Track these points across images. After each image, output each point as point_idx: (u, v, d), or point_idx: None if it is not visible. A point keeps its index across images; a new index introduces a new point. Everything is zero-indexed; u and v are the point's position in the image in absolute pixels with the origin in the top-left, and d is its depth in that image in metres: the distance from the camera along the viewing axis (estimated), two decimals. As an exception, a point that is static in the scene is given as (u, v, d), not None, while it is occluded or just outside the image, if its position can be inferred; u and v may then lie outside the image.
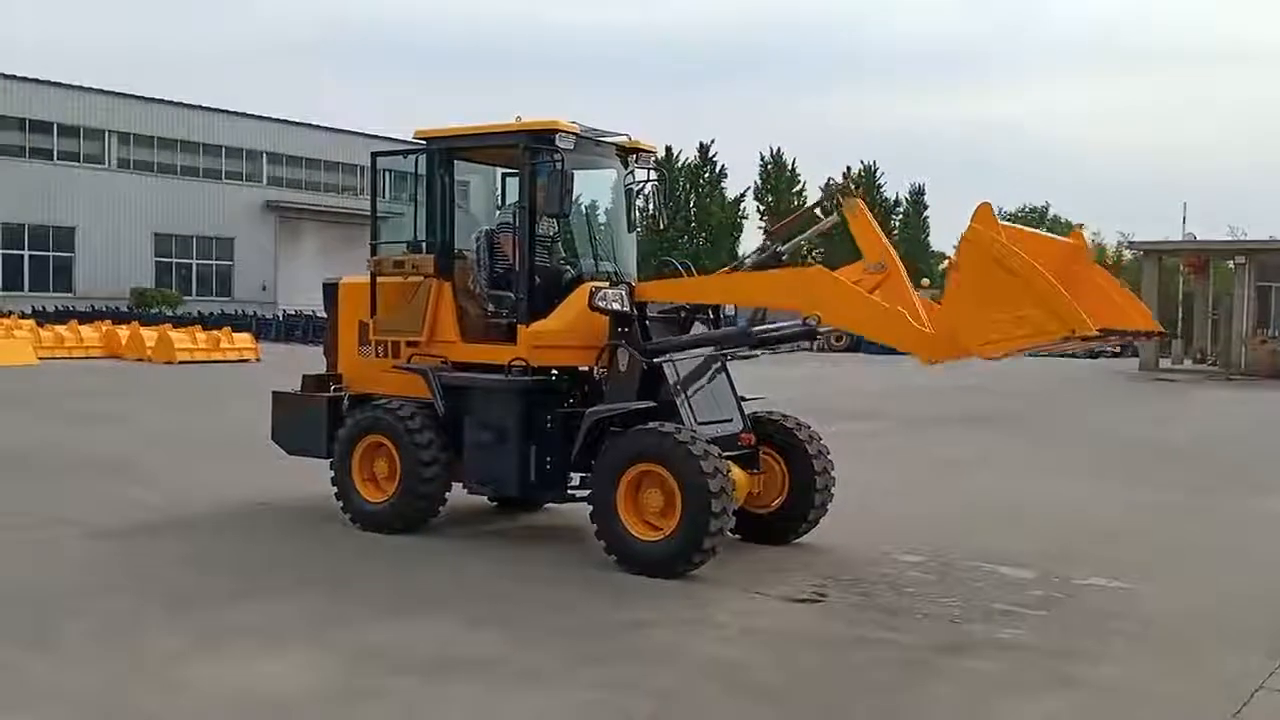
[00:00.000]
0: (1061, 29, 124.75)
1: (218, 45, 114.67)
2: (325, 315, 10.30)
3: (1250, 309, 37.20)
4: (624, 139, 9.33)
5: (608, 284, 8.55)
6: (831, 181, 7.49)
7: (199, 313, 44.66)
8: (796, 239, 8.77)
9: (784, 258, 8.55)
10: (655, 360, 8.18)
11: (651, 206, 11.02)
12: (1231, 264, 39.99)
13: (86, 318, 38.33)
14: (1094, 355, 50.96)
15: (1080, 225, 77.47)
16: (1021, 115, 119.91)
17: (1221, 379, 35.05)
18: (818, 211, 8.49)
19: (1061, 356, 49.74)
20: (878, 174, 73.94)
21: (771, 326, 8.17)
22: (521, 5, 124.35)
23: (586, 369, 8.77)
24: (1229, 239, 48.17)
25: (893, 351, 7.84)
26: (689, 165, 72.96)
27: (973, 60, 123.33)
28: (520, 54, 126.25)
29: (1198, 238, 44.48)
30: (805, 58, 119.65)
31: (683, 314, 8.74)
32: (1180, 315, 48.83)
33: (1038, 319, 6.47)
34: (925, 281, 61.61)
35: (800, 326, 7.86)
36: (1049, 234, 7.86)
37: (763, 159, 74.45)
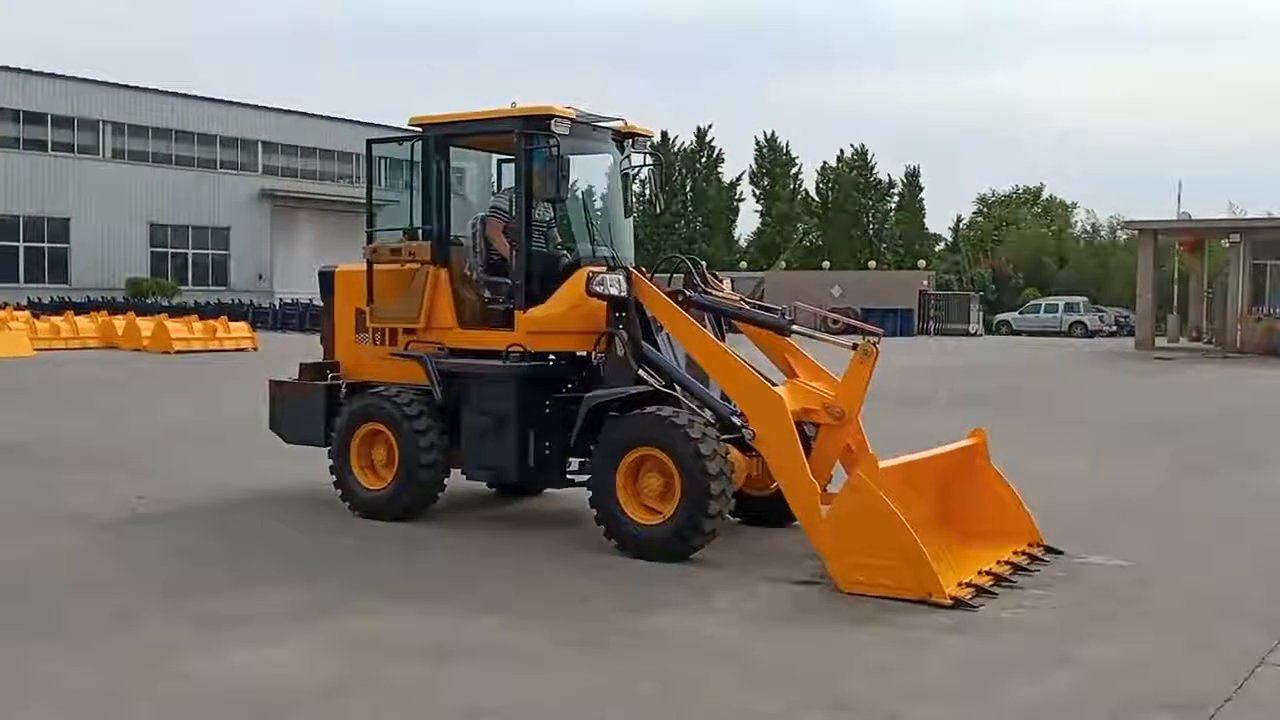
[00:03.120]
0: (1060, 8, 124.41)
1: (212, 33, 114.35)
2: (322, 303, 10.29)
3: (1245, 287, 37.20)
4: (620, 123, 9.31)
5: (605, 269, 8.53)
6: (868, 340, 7.79)
7: (195, 302, 44.58)
8: (815, 333, 8.88)
9: (789, 334, 8.58)
10: (642, 367, 8.15)
11: (648, 191, 11.00)
12: (1226, 242, 39.99)
13: (82, 308, 38.30)
14: (1090, 334, 51.11)
15: (1075, 205, 76.39)
16: (1018, 95, 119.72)
17: (1217, 357, 35.10)
18: (846, 343, 8.55)
19: (1056, 336, 49.86)
20: (870, 156, 73.97)
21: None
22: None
23: (584, 354, 8.76)
24: (1223, 217, 48.17)
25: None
26: (685, 149, 72.93)
27: (970, 41, 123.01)
28: (517, 39, 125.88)
29: (1192, 217, 44.45)
30: (802, 40, 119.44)
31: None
32: (1175, 293, 48.91)
33: (900, 574, 6.74)
34: (921, 263, 61.68)
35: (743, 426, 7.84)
36: (950, 446, 8.10)
37: (758, 143, 74.51)
